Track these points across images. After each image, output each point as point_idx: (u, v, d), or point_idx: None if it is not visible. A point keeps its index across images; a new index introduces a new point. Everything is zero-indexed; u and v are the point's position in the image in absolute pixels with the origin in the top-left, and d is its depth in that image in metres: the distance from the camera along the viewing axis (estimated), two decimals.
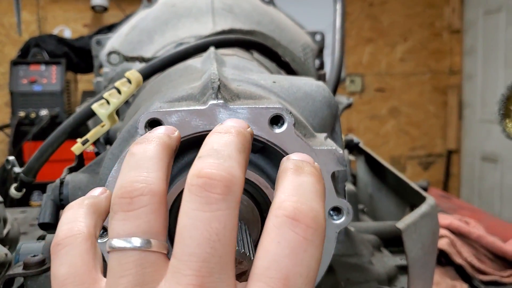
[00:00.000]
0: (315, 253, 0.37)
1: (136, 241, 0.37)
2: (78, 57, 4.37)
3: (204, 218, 0.36)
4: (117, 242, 0.38)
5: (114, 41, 1.68)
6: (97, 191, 0.49)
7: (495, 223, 1.77)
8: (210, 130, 0.62)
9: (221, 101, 0.61)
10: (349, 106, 1.74)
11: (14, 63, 4.12)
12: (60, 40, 4.43)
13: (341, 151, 0.64)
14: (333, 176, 0.66)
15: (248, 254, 0.53)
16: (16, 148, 3.81)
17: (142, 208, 0.38)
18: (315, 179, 0.42)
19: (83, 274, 0.39)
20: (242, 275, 0.52)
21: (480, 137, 5.38)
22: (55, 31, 4.94)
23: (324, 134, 0.70)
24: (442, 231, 1.30)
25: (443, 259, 1.32)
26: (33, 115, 3.95)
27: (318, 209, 0.39)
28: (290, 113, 0.62)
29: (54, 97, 4.08)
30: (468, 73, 5.62)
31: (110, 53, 1.18)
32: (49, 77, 4.14)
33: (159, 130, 0.48)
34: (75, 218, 0.42)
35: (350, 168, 1.53)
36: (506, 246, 1.33)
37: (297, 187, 0.40)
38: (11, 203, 3.20)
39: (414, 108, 5.76)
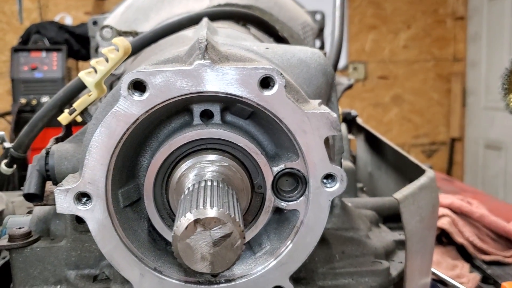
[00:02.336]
0: None
1: None
2: (79, 44, 4.33)
3: None
4: None
5: (110, 20, 1.65)
6: None
7: (498, 205, 1.74)
8: (196, 92, 0.60)
9: (208, 61, 0.58)
10: (350, 87, 1.71)
11: (15, 50, 4.09)
12: (61, 27, 4.40)
13: (334, 115, 0.61)
14: (327, 143, 0.64)
15: (232, 215, 0.50)
16: (17, 135, 3.79)
17: None
18: None
19: None
20: (227, 237, 0.50)
21: (484, 125, 5.32)
22: (56, 19, 4.91)
23: (318, 100, 0.67)
24: (444, 210, 1.27)
25: (444, 239, 1.29)
26: (34, 102, 3.93)
27: None
28: (281, 74, 0.59)
29: (55, 84, 4.05)
30: (472, 60, 5.56)
31: (103, 28, 1.16)
32: (50, 64, 4.11)
33: None
34: None
35: (349, 146, 1.50)
36: (509, 226, 1.30)
37: None
38: (13, 188, 3.19)
39: (418, 95, 5.71)
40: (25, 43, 4.24)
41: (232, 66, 0.58)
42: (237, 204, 0.54)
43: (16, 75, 4.05)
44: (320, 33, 1.76)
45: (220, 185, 0.56)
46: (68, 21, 4.98)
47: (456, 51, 5.70)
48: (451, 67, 5.71)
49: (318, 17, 1.77)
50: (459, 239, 1.26)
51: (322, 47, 1.77)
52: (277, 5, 1.46)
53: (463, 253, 1.27)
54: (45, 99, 3.97)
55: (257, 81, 0.59)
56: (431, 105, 5.75)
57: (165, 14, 1.39)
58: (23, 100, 3.96)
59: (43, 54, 4.15)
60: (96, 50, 1.68)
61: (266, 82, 0.59)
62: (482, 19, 5.36)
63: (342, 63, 5.36)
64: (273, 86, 0.59)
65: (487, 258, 1.24)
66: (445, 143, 5.79)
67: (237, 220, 0.50)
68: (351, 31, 5.43)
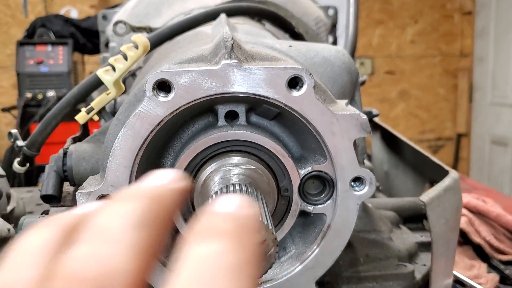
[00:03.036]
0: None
1: None
2: (85, 37, 4.31)
3: None
4: None
5: (120, 15, 1.63)
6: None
7: (511, 203, 1.72)
8: (222, 93, 0.58)
9: (235, 61, 0.56)
10: (362, 83, 1.68)
11: (21, 44, 4.07)
12: (67, 21, 4.37)
13: (364, 116, 0.59)
14: (355, 145, 0.62)
15: (266, 223, 0.48)
16: (23, 129, 3.78)
17: None
18: (233, 246, 0.28)
19: None
20: (261, 244, 0.48)
21: (490, 121, 5.29)
22: (62, 12, 4.89)
23: (345, 101, 0.65)
24: None
25: (461, 238, 1.27)
26: (40, 96, 3.91)
27: None
28: (310, 74, 0.57)
29: (61, 78, 4.03)
30: (479, 56, 5.52)
31: (116, 23, 1.14)
32: (56, 58, 4.09)
33: (149, 181, 0.33)
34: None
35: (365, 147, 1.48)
36: None
37: (197, 267, 0.27)
38: (19, 184, 3.19)
39: (424, 91, 5.68)
40: (31, 37, 4.22)
41: (260, 66, 0.57)
42: (267, 211, 0.52)
43: (22, 69, 4.04)
44: (332, 29, 1.74)
45: (249, 190, 0.54)
46: (74, 14, 4.96)
47: (463, 47, 5.66)
48: (458, 63, 5.68)
49: (331, 12, 1.74)
50: (476, 238, 1.24)
51: (334, 43, 1.74)
52: (291, 0, 1.44)
53: (480, 252, 1.25)
54: (51, 93, 3.96)
55: (286, 81, 0.57)
56: (437, 101, 5.72)
57: (177, 8, 1.37)
58: (28, 94, 3.95)
59: (49, 48, 4.13)
60: (106, 45, 1.67)
61: (294, 83, 0.58)
62: (489, 14, 5.32)
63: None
64: (301, 86, 0.58)
65: (504, 257, 1.22)
66: (451, 138, 5.76)
67: (270, 227, 0.48)
68: (358, 26, 5.39)
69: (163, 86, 0.56)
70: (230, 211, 0.30)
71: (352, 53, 1.37)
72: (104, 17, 1.71)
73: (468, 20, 5.62)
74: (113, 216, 0.29)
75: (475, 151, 5.65)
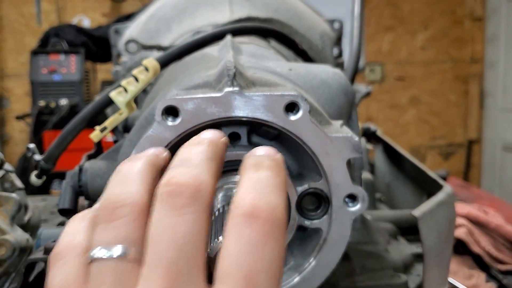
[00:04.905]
0: (275, 246, 0.37)
1: (114, 251, 0.38)
2: (96, 46, 4.40)
3: (171, 223, 0.37)
4: (96, 252, 0.38)
5: (132, 30, 1.69)
6: None
7: None
8: (225, 118, 0.63)
9: (237, 88, 0.61)
10: (367, 94, 1.73)
11: (34, 53, 4.16)
12: (79, 30, 4.46)
13: (356, 138, 0.64)
14: (349, 164, 0.66)
15: None
16: (36, 137, 3.86)
17: (122, 218, 0.39)
18: (274, 173, 0.42)
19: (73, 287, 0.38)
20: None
21: (502, 127, 5.29)
22: (74, 21, 4.99)
23: (340, 121, 0.70)
24: (460, 220, 1.29)
25: (461, 248, 1.31)
26: (53, 104, 3.99)
27: (276, 203, 0.39)
28: (306, 100, 0.62)
29: (74, 86, 4.12)
30: (490, 61, 5.53)
31: (128, 42, 1.19)
32: (69, 66, 4.17)
33: (148, 151, 0.48)
34: (77, 231, 0.42)
35: (367, 158, 1.52)
36: None
37: (254, 183, 0.40)
38: (31, 191, 3.26)
39: (435, 97, 5.69)
40: (44, 46, 4.31)
41: (259, 93, 0.61)
42: None
43: (35, 77, 4.13)
44: (338, 41, 1.78)
45: None
46: (86, 23, 5.06)
47: (473, 52, 5.67)
48: (468, 69, 5.68)
49: (336, 25, 1.78)
50: (475, 248, 1.28)
51: (340, 55, 1.79)
52: (296, 15, 1.49)
53: (479, 262, 1.29)
54: (63, 101, 4.03)
55: (283, 106, 0.62)
56: (448, 107, 5.72)
57: (187, 25, 1.43)
58: (42, 103, 4.03)
59: (62, 56, 4.22)
60: (118, 57, 1.72)
61: (291, 107, 0.62)
62: (500, 20, 5.33)
63: (359, 64, 5.37)
64: (297, 111, 0.62)
65: (503, 267, 1.26)
66: (462, 145, 5.76)
67: None
68: (367, 32, 5.43)
69: (171, 111, 0.61)
70: (268, 153, 0.45)
71: (356, 66, 1.41)
72: (116, 32, 1.77)
73: (479, 26, 5.63)
74: (193, 152, 0.44)
75: (486, 157, 5.65)
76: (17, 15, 5.06)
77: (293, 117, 0.62)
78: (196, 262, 0.36)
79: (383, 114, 5.62)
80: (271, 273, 0.36)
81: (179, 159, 0.43)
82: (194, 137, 0.47)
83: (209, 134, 0.47)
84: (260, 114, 0.62)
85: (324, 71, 0.79)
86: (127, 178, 0.42)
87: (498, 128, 5.37)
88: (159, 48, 1.17)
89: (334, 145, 0.64)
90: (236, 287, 0.35)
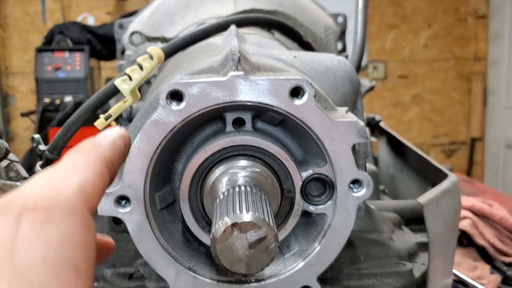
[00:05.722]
0: (54, 231, 0.35)
1: None
2: (101, 44, 4.40)
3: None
4: None
5: (136, 24, 1.70)
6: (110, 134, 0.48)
7: None
8: (230, 102, 0.63)
9: (241, 73, 0.61)
10: (371, 89, 1.72)
11: (39, 50, 4.17)
12: (84, 28, 4.47)
13: (362, 123, 0.64)
14: (354, 149, 0.66)
15: (267, 220, 0.53)
16: (41, 134, 3.84)
17: None
18: (78, 154, 0.43)
19: (55, 266, 0.35)
20: (262, 240, 0.53)
21: (505, 125, 5.28)
22: (79, 19, 4.99)
23: (345, 108, 0.70)
24: (465, 212, 1.29)
25: (465, 240, 1.31)
26: (57, 101, 4.00)
27: (61, 185, 0.38)
28: (311, 84, 0.62)
29: (78, 83, 4.12)
30: (493, 59, 5.51)
31: (132, 33, 1.19)
32: (73, 64, 4.18)
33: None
34: (70, 171, 0.41)
35: (371, 151, 1.52)
36: None
37: (51, 171, 0.41)
38: None
39: (438, 95, 5.67)
40: (49, 44, 4.32)
41: (264, 77, 0.61)
42: (270, 209, 0.57)
43: (40, 75, 4.14)
44: (342, 36, 1.78)
45: (253, 190, 0.59)
46: (90, 21, 5.06)
47: (477, 50, 5.65)
48: (472, 67, 5.67)
49: (340, 19, 1.78)
50: (480, 240, 1.28)
51: (343, 50, 1.79)
52: (300, 9, 1.49)
53: (484, 254, 1.28)
54: (68, 98, 4.04)
55: (288, 91, 0.62)
56: (451, 105, 5.71)
57: (191, 18, 1.43)
58: (46, 100, 4.03)
59: (66, 54, 4.23)
60: (122, 52, 1.73)
61: (296, 92, 0.62)
62: (504, 18, 5.31)
63: (362, 62, 5.37)
64: (302, 95, 0.62)
65: (507, 259, 1.26)
66: (465, 143, 5.74)
67: (271, 224, 0.53)
68: (371, 30, 5.42)
69: (176, 96, 0.61)
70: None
71: (360, 60, 1.41)
72: (121, 26, 1.77)
73: (482, 24, 5.61)
74: None
75: (489, 155, 5.63)
76: (22, 13, 5.06)
77: (298, 102, 0.62)
78: (58, 271, 0.34)
79: (386, 111, 5.61)
80: (48, 263, 0.34)
81: (52, 169, 0.42)
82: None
83: (103, 136, 0.47)
84: (264, 99, 0.62)
85: (329, 59, 0.79)
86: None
87: (501, 126, 5.35)
88: (163, 40, 1.17)
89: (339, 130, 0.64)
90: (12, 285, 0.33)
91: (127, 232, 0.66)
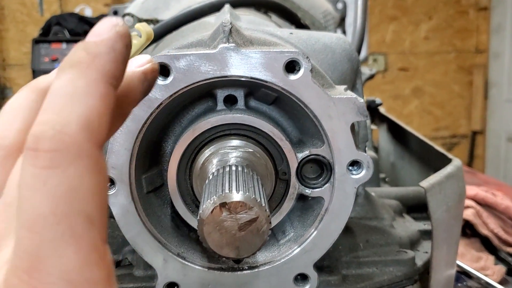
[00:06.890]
0: (61, 179, 0.30)
1: None
2: None
3: (35, 183, 0.30)
4: None
5: (130, 9, 1.65)
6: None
7: None
8: (220, 77, 0.59)
9: (233, 45, 0.57)
10: (371, 77, 1.69)
11: (36, 42, 4.13)
12: (81, 19, 4.43)
13: (361, 100, 0.60)
14: (353, 128, 0.62)
15: (258, 200, 0.49)
16: None
17: None
18: (75, 74, 0.32)
19: None
20: (253, 222, 0.49)
21: (506, 118, 5.24)
22: (76, 10, 4.94)
23: (344, 86, 0.66)
24: (468, 202, 1.25)
25: (469, 230, 1.27)
26: None
27: (62, 121, 0.31)
28: (307, 58, 0.58)
29: None
30: (495, 52, 5.46)
31: (124, 15, 1.15)
32: None
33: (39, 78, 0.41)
34: (70, 98, 0.32)
35: (371, 140, 1.48)
36: None
37: (46, 100, 0.32)
38: None
39: (439, 88, 5.63)
40: (46, 35, 4.28)
41: (257, 50, 0.57)
42: (262, 189, 0.53)
43: (37, 66, 4.09)
44: (341, 22, 1.74)
45: (245, 170, 0.55)
46: (88, 12, 5.01)
47: (478, 43, 5.60)
48: (473, 59, 5.62)
49: (339, 5, 1.74)
50: (484, 230, 1.24)
51: None
52: None
53: (488, 245, 1.25)
54: None
55: (283, 65, 0.58)
56: (452, 98, 5.67)
57: (186, 2, 1.38)
58: None
59: (64, 45, 4.18)
60: None
61: (291, 66, 0.58)
62: (506, 10, 5.27)
63: (362, 54, 5.33)
64: (298, 70, 0.58)
65: None
66: (466, 136, 5.71)
67: (263, 205, 0.49)
68: (371, 22, 5.37)
69: (162, 70, 0.57)
70: (91, 36, 0.34)
71: (359, 46, 1.37)
72: (115, 13, 1.73)
73: (484, 16, 5.56)
74: (62, 85, 0.32)
75: (490, 148, 5.59)
76: (19, 4, 5.01)
77: (293, 77, 0.58)
78: (70, 223, 0.30)
79: (386, 104, 5.54)
80: (59, 215, 0.29)
81: (47, 98, 0.32)
82: (70, 53, 0.34)
83: (98, 36, 0.34)
84: (258, 73, 0.58)
85: (327, 36, 0.75)
86: (1, 116, 0.38)
87: (503, 119, 5.31)
88: (156, 21, 1.13)
89: (337, 107, 0.60)
90: (21, 238, 0.29)
91: (113, 217, 0.62)
